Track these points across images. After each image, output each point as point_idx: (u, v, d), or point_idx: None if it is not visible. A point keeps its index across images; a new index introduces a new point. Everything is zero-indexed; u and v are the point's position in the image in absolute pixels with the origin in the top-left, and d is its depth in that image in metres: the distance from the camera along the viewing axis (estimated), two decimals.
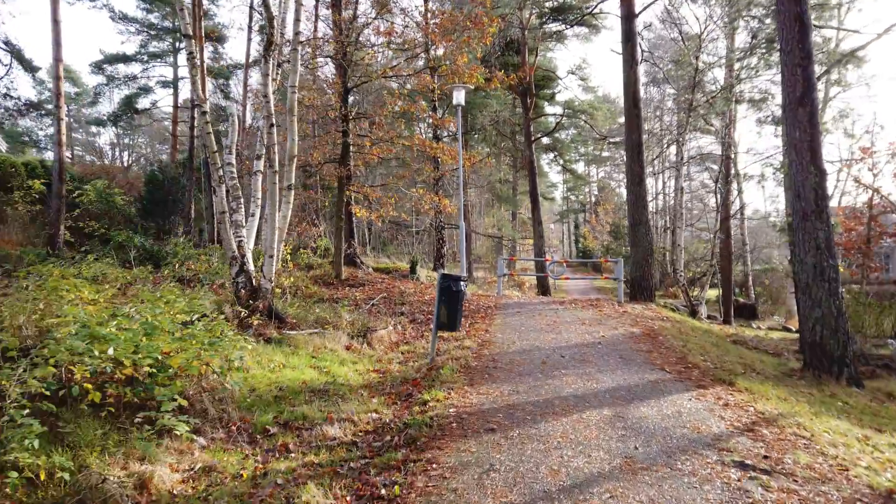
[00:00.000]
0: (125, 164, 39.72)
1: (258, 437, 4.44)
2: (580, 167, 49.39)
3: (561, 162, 36.74)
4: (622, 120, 36.62)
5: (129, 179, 24.26)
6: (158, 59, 24.10)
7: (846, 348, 7.15)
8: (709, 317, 14.91)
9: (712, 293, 24.52)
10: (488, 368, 6.15)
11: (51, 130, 27.50)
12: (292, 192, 8.73)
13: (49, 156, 25.09)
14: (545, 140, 34.00)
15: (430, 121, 13.81)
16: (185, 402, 4.32)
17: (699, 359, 6.88)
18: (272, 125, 8.25)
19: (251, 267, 8.58)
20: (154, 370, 4.44)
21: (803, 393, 6.17)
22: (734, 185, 16.20)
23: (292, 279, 11.82)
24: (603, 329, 8.60)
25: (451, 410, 4.55)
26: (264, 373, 6.00)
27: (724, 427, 4.34)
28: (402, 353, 7.70)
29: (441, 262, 18.45)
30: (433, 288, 13.31)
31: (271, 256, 8.39)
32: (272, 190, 8.39)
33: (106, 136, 43.40)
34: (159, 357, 4.57)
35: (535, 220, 23.21)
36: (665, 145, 24.98)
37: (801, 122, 7.19)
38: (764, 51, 12.23)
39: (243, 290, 8.27)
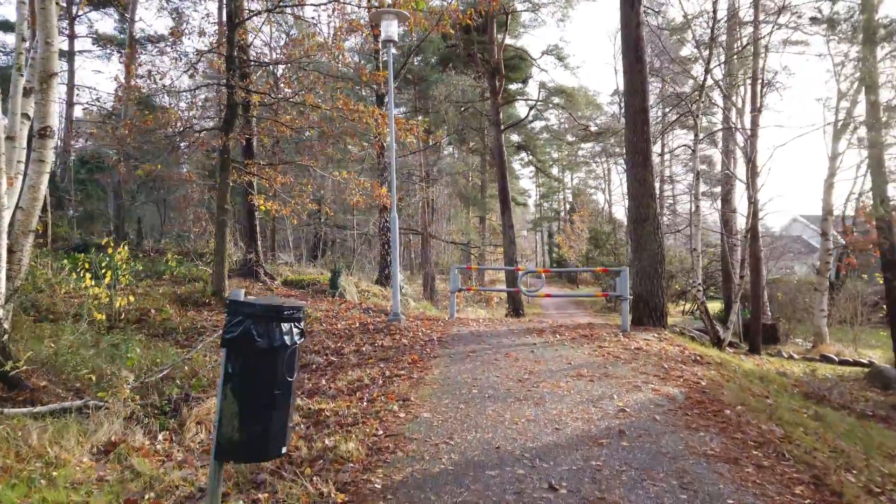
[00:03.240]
0: None
1: None
2: (554, 172, 46.25)
3: (535, 163, 33.44)
4: (601, 120, 33.61)
5: None
6: None
7: None
8: (730, 344, 11.36)
9: (712, 306, 21.17)
10: None
11: None
12: (51, 143, 4.72)
13: None
14: (516, 137, 30.60)
15: (365, 79, 9.93)
16: None
17: (856, 486, 3.13)
18: None
19: None
20: None
21: None
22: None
23: (132, 298, 7.75)
24: (616, 389, 4.82)
25: None
26: None
27: None
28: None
29: (386, 273, 14.52)
30: (357, 309, 9.37)
31: None
32: None
33: None
34: None
35: (506, 223, 19.56)
36: (652, 137, 21.67)
37: None
38: None
39: None
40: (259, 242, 10.91)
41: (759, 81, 11.91)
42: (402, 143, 23.63)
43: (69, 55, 20.74)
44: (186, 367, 5.69)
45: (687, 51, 23.29)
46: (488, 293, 20.94)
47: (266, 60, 9.63)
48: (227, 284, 9.18)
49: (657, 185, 32.17)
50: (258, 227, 10.97)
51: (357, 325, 8.04)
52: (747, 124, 13.17)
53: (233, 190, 12.73)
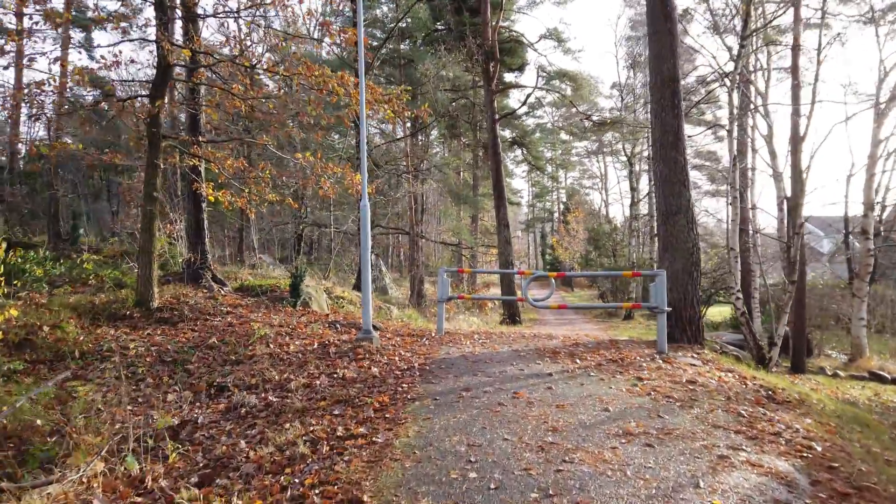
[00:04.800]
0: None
1: None
2: (547, 171, 44.57)
3: (529, 159, 31.72)
4: (597, 117, 31.96)
5: None
6: None
7: None
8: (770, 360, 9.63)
9: (717, 311, 19.52)
10: None
11: None
12: None
13: None
14: (509, 134, 28.87)
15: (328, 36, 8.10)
16: None
17: None
18: None
19: None
20: None
21: None
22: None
23: (14, 312, 5.83)
24: (694, 463, 3.05)
25: None
26: None
27: None
28: None
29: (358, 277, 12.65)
30: (321, 323, 7.50)
31: None
32: None
33: None
34: None
35: (501, 221, 17.77)
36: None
37: None
38: None
39: None
40: (207, 240, 9.01)
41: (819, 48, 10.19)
42: (388, 133, 21.78)
43: (17, 34, 18.57)
44: (44, 411, 3.85)
45: (687, 43, 21.71)
46: (481, 300, 19.11)
47: (209, 12, 7.73)
48: (156, 292, 7.28)
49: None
50: (206, 222, 9.06)
51: (315, 346, 6.19)
52: (781, 99, 11.46)
53: (181, 177, 10.82)
